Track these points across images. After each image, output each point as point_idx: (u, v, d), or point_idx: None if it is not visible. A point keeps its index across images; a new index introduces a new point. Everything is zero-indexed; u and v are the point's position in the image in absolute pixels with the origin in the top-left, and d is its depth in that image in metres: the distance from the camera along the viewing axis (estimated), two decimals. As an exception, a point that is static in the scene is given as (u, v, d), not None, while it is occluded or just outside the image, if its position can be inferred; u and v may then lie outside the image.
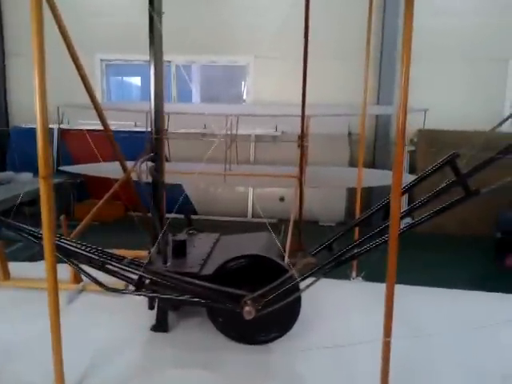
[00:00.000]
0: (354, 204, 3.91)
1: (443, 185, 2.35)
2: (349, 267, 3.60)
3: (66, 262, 2.53)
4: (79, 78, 3.16)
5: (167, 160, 3.51)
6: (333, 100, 8.57)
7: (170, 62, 9.36)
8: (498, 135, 2.46)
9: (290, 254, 2.93)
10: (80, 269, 2.55)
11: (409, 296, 2.87)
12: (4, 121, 10.09)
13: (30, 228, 2.61)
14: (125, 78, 11.53)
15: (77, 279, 3.26)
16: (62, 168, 6.97)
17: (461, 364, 2.46)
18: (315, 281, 2.35)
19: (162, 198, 3.15)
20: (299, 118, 3.93)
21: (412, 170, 8.56)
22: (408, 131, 8.32)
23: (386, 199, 2.57)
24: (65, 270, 3.03)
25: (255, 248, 2.77)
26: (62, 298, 2.57)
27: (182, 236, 2.98)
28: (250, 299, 2.34)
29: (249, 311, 2.31)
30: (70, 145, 9.08)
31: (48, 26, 2.25)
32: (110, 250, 2.61)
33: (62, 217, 3.27)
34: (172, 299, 2.57)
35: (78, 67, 3.09)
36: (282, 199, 8.58)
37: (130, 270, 2.48)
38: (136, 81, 11.50)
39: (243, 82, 9.85)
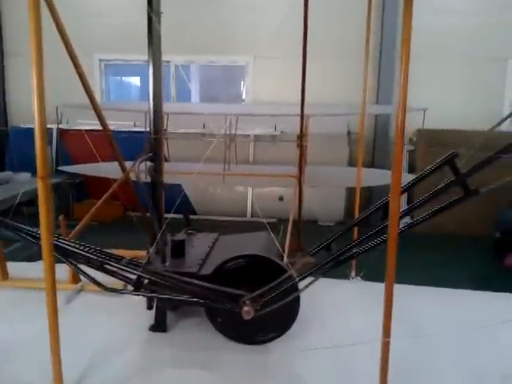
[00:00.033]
0: (353, 203, 3.91)
1: (442, 184, 2.35)
2: (348, 267, 3.60)
3: (64, 262, 2.53)
4: (78, 78, 3.15)
5: (166, 160, 3.51)
6: (332, 99, 8.56)
7: (168, 61, 9.36)
8: (497, 135, 2.46)
9: (289, 253, 2.93)
10: (78, 269, 2.55)
11: (408, 296, 2.86)
12: (3, 121, 10.08)
13: (28, 228, 2.60)
14: (124, 78, 11.53)
15: (75, 279, 3.25)
16: (60, 168, 6.96)
17: (460, 364, 2.45)
18: (314, 280, 2.35)
19: (160, 197, 3.14)
20: (298, 118, 3.93)
21: (411, 170, 8.56)
22: (407, 131, 8.33)
23: (385, 199, 2.57)
24: (63, 270, 3.03)
25: (254, 248, 2.77)
26: (61, 298, 2.57)
27: (180, 236, 2.97)
28: (249, 299, 2.34)
29: (247, 311, 2.31)
30: (68, 145, 9.07)
31: (47, 25, 2.26)
32: (108, 250, 2.60)
33: (61, 217, 3.27)
34: (171, 299, 2.57)
35: (77, 67, 3.09)
36: (281, 199, 8.58)
37: (128, 269, 2.48)
38: (135, 81, 11.50)
39: (242, 82, 9.85)
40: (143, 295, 2.57)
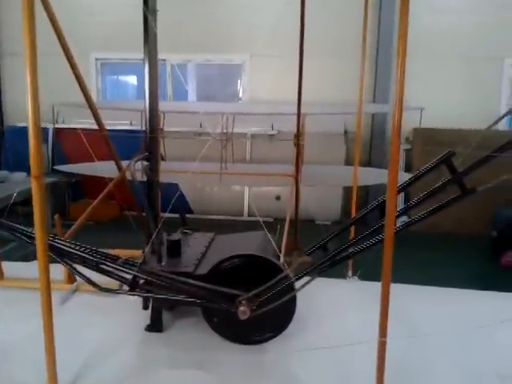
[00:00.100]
0: (350, 203, 3.90)
1: (439, 183, 2.34)
2: (344, 266, 3.59)
3: (59, 262, 2.52)
4: (74, 77, 3.13)
5: (163, 159, 3.50)
6: (329, 98, 8.56)
7: (164, 60, 9.34)
8: (493, 133, 2.45)
9: (286, 253, 2.92)
10: (73, 269, 2.53)
11: (405, 295, 2.86)
12: (-1, 120, 10.07)
13: (23, 228, 2.58)
14: (121, 77, 11.51)
15: (71, 279, 3.23)
16: (56, 167, 6.94)
17: (457, 364, 2.45)
18: (310, 280, 2.34)
19: (156, 197, 3.13)
20: (295, 117, 3.92)
21: (408, 169, 8.57)
22: (404, 130, 8.33)
23: (381, 198, 2.56)
24: (59, 270, 3.01)
25: (250, 247, 2.75)
26: (56, 297, 2.56)
27: (176, 235, 2.96)
28: (245, 299, 2.33)
29: (244, 311, 2.30)
30: (65, 144, 9.05)
31: (43, 25, 2.24)
32: (104, 250, 2.59)
33: (57, 216, 3.25)
34: (166, 299, 2.56)
35: (73, 66, 3.07)
36: (278, 198, 8.58)
37: (124, 269, 2.47)
38: (132, 80, 11.48)
39: (239, 81, 9.83)
40: (139, 295, 2.56)
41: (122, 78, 11.51)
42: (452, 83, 9.08)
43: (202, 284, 2.43)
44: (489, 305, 3.13)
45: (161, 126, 4.06)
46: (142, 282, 2.49)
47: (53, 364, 2.04)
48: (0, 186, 7.47)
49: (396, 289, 1.89)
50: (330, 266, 2.44)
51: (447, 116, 8.67)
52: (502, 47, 8.87)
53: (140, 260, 2.53)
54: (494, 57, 8.90)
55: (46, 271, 1.98)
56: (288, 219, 3.98)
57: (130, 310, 2.86)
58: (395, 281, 1.89)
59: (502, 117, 2.53)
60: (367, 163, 8.90)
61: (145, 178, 3.12)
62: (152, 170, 3.05)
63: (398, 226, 2.28)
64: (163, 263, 2.64)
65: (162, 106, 3.30)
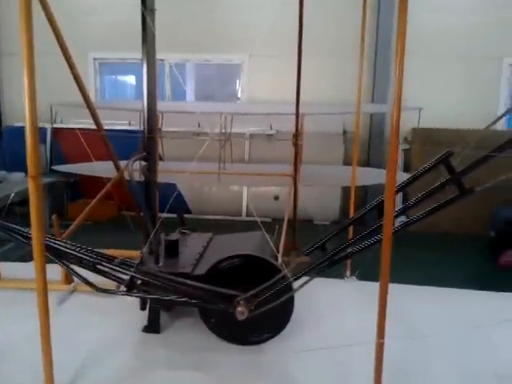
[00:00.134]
0: (348, 202, 3.89)
1: (437, 183, 2.34)
2: (343, 266, 3.58)
3: (57, 263, 2.51)
4: (72, 77, 3.12)
5: (161, 159, 3.49)
6: (327, 98, 8.56)
7: (163, 60, 9.32)
8: (492, 133, 2.45)
9: (284, 253, 2.91)
10: (70, 269, 2.52)
11: (403, 295, 2.85)
12: (-3, 120, 10.05)
13: (20, 228, 2.57)
14: (119, 77, 11.48)
15: (68, 280, 3.22)
16: (54, 167, 6.92)
17: (455, 364, 2.45)
18: (308, 280, 2.33)
19: (154, 197, 3.12)
20: (294, 117, 3.91)
21: (406, 169, 8.56)
22: (402, 130, 8.34)
23: (380, 198, 2.56)
24: (56, 271, 3.01)
25: (248, 248, 2.75)
26: (53, 298, 2.55)
27: (174, 236, 2.95)
28: (243, 299, 2.32)
29: (241, 311, 2.29)
30: (63, 144, 9.03)
31: (41, 24, 2.23)
32: (101, 250, 2.58)
33: (54, 216, 3.24)
34: (164, 300, 2.55)
35: (71, 66, 3.06)
36: (276, 198, 8.57)
37: (121, 270, 2.45)
38: (131, 79, 11.46)
39: (237, 81, 9.82)
40: (136, 296, 2.55)
41: (121, 77, 11.49)
42: (450, 83, 9.08)
43: (199, 284, 2.42)
44: (487, 305, 3.12)
45: (159, 125, 4.04)
46: (139, 282, 2.48)
47: (50, 365, 2.04)
48: (-2, 186, 7.44)
49: (394, 289, 1.88)
50: (329, 266, 2.43)
51: (446, 116, 8.67)
52: (500, 47, 8.87)
53: (137, 260, 2.52)
54: (493, 57, 8.90)
55: (43, 272, 1.97)
56: (286, 219, 3.97)
57: (128, 310, 2.85)
58: (393, 281, 1.88)
59: (501, 116, 2.53)
60: (366, 163, 8.89)
61: (143, 178, 3.11)
62: (150, 170, 3.04)
63: (396, 226, 2.28)
64: (161, 263, 2.63)
65: (161, 105, 3.29)
